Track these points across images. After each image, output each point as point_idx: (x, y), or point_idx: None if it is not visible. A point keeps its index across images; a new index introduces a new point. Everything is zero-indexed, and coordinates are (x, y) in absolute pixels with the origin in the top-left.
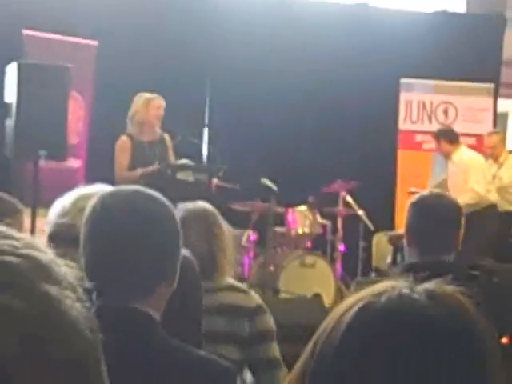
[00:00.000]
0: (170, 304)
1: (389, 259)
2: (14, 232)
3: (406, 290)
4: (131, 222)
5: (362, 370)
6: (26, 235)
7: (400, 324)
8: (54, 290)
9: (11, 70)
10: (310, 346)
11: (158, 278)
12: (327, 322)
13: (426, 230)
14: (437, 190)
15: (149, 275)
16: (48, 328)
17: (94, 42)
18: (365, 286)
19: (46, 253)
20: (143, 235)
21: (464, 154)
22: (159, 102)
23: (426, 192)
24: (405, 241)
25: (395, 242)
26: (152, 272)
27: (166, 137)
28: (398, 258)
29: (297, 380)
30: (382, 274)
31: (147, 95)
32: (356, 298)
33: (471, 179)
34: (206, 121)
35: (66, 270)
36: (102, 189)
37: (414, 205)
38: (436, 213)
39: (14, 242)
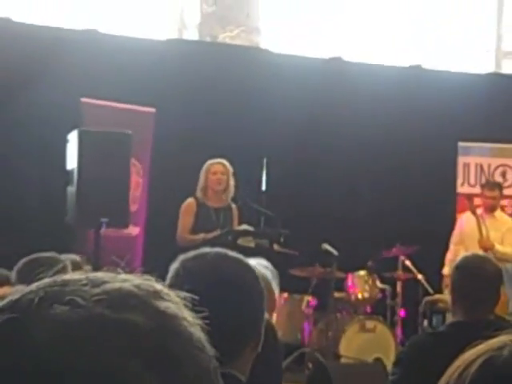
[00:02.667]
0: (253, 367)
1: (425, 323)
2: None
3: None
4: (214, 286)
5: None
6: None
7: None
8: (170, 306)
9: (72, 137)
10: None
11: (245, 341)
12: (448, 377)
13: (470, 290)
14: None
15: (235, 339)
16: (168, 342)
17: (152, 109)
18: None
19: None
20: (227, 300)
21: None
22: (216, 167)
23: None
24: (449, 300)
25: (430, 306)
26: (239, 336)
27: (234, 206)
28: (434, 322)
29: None
30: None
31: (210, 161)
32: (476, 353)
33: None
34: (264, 186)
35: (178, 299)
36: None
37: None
38: (479, 275)
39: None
